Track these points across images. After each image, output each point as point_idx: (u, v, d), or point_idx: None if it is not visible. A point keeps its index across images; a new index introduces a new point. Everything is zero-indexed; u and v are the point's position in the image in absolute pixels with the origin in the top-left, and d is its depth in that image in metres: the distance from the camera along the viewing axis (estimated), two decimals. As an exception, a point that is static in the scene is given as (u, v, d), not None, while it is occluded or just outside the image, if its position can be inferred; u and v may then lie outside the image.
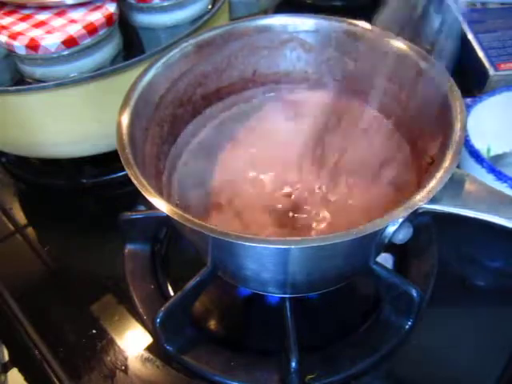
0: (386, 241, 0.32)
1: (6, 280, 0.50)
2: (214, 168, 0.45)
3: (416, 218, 0.33)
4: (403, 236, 0.32)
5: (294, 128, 0.47)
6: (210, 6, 0.61)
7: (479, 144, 0.47)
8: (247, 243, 0.30)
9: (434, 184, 0.31)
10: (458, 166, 0.47)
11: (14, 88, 0.49)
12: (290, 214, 0.40)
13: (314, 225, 0.39)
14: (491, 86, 0.60)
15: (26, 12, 0.52)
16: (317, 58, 0.48)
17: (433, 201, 0.31)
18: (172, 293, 0.47)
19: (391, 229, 0.32)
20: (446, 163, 0.32)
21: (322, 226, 0.39)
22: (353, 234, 0.29)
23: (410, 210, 0.30)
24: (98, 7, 0.52)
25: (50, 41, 0.49)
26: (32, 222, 0.56)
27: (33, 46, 0.49)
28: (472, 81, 0.64)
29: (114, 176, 0.58)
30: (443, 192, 0.31)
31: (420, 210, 0.31)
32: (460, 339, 0.43)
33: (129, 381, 0.41)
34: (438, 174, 0.31)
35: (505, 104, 0.52)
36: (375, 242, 0.34)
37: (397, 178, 0.41)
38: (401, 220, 0.31)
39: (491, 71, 0.61)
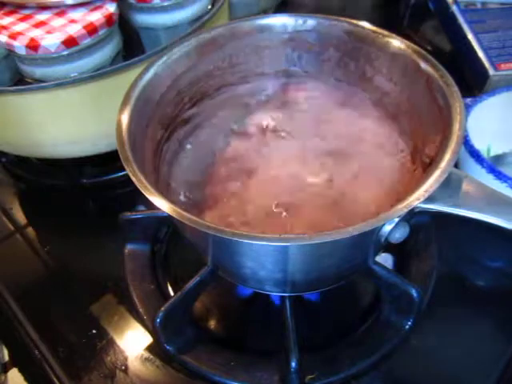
0: (383, 240, 0.32)
1: (6, 280, 0.50)
2: (214, 166, 0.45)
3: (413, 218, 0.33)
4: (400, 235, 0.32)
5: (294, 126, 0.47)
6: (209, 6, 0.61)
7: (479, 144, 0.47)
8: (243, 240, 0.30)
9: (430, 183, 0.31)
10: (458, 166, 0.47)
11: (14, 88, 0.49)
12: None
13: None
14: (491, 86, 0.60)
15: (26, 12, 0.52)
16: (317, 58, 0.48)
17: (429, 200, 0.31)
18: (172, 293, 0.47)
19: (388, 227, 0.32)
20: (443, 163, 0.32)
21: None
22: (349, 232, 0.29)
23: (406, 210, 0.30)
24: (98, 7, 0.52)
25: (50, 41, 0.49)
26: (32, 222, 0.56)
27: (33, 46, 0.49)
28: (472, 81, 0.64)
29: (114, 176, 0.58)
30: (440, 192, 0.31)
31: (416, 210, 0.31)
32: (460, 339, 0.43)
33: (129, 381, 0.42)
34: (435, 174, 0.31)
35: (505, 104, 0.52)
36: (372, 240, 0.34)
37: (395, 177, 0.41)
38: (397, 219, 0.31)
39: (491, 71, 0.61)
